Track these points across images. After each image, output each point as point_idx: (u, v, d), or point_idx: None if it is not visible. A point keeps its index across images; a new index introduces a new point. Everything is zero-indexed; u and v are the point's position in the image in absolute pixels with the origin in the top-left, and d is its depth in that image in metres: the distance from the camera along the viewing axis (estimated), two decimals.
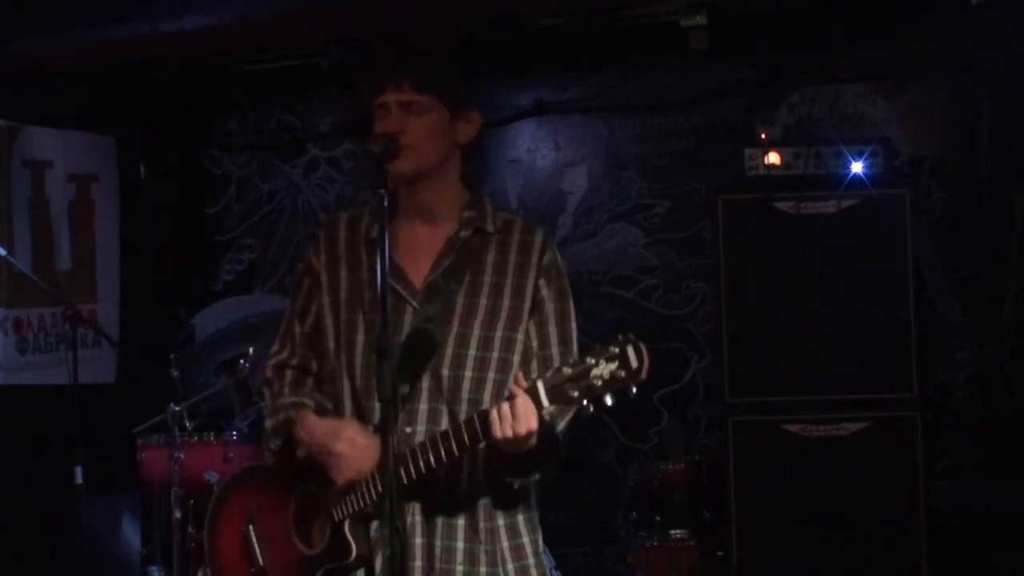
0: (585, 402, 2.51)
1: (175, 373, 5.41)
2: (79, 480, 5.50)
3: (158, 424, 5.57)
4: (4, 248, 5.60)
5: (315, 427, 2.78)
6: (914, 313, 5.37)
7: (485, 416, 2.59)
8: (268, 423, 2.90)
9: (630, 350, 2.47)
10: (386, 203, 2.61)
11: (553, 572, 5.86)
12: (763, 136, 5.62)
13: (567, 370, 2.52)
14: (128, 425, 5.72)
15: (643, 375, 2.48)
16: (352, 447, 2.71)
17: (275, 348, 2.99)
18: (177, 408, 5.34)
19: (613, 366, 2.47)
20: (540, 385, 2.53)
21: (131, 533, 5.99)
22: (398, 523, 2.49)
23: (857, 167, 5.39)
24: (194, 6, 5.57)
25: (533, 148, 6.60)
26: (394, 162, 2.73)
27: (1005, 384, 5.61)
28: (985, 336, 5.78)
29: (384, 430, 2.51)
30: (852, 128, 5.98)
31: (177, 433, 5.32)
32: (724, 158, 5.89)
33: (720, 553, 5.49)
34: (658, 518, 5.60)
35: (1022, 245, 5.59)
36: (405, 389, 2.58)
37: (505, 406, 2.55)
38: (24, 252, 6.13)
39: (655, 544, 5.50)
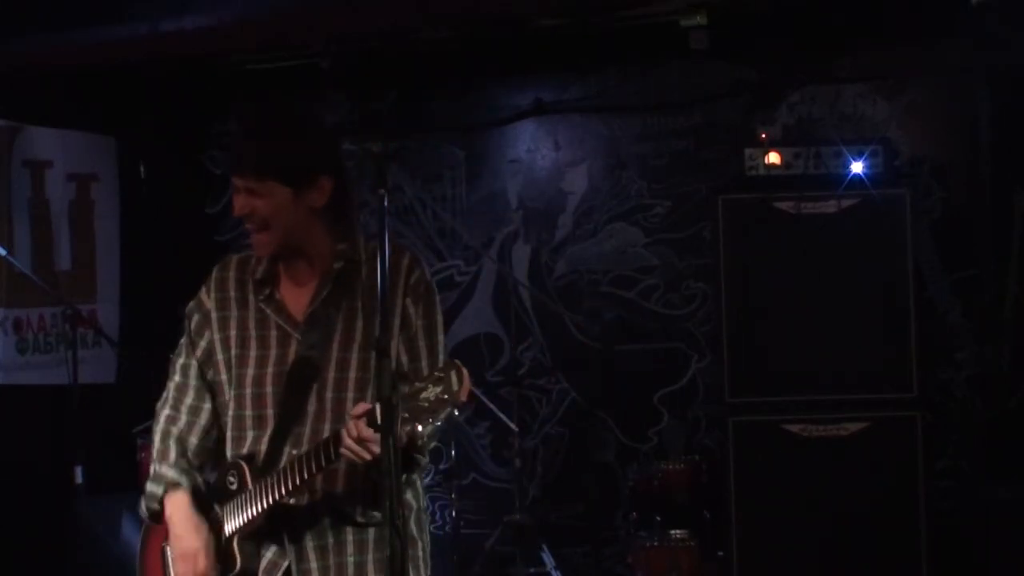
0: (417, 424, 2.63)
1: None
2: (79, 480, 5.50)
3: None
4: (4, 248, 5.60)
5: (177, 517, 3.00)
6: (914, 313, 5.37)
7: (337, 439, 2.74)
8: (148, 486, 3.06)
9: (453, 375, 2.60)
10: (386, 203, 2.62)
11: (553, 572, 5.88)
12: (763, 136, 5.63)
13: (403, 391, 2.63)
14: (128, 425, 5.73)
15: (462, 398, 2.60)
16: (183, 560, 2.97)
17: (170, 387, 3.11)
18: None
19: (438, 389, 2.60)
20: (377, 409, 2.64)
21: (131, 533, 5.98)
22: (398, 523, 2.52)
23: (857, 167, 5.39)
24: (194, 6, 5.57)
25: (533, 148, 6.60)
26: (253, 243, 2.97)
27: (1005, 384, 5.61)
28: (985, 336, 5.78)
29: (384, 430, 2.54)
30: (852, 128, 5.98)
31: None
32: (724, 158, 5.90)
33: (720, 553, 5.49)
34: (658, 518, 5.61)
35: (1022, 245, 5.59)
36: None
37: (347, 428, 2.71)
38: (24, 252, 6.13)
39: (655, 544, 5.51)
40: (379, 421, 2.60)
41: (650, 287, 6.39)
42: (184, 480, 3.02)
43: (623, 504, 6.23)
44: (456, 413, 2.66)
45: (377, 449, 2.65)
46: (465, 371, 2.61)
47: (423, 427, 2.62)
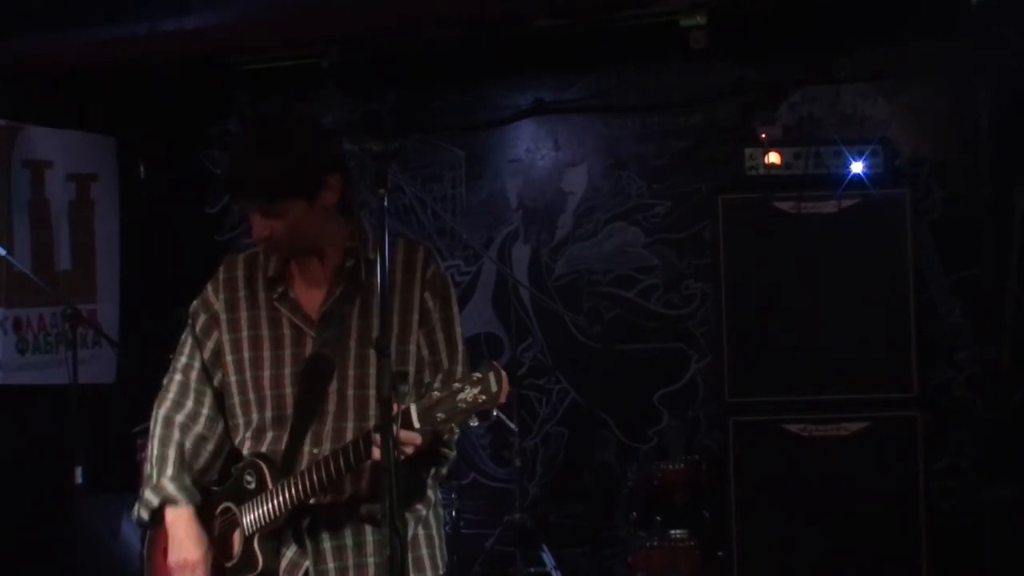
0: (452, 425, 2.67)
1: None
2: (79, 480, 5.50)
3: None
4: (4, 248, 5.60)
5: (179, 527, 2.97)
6: (914, 313, 5.37)
7: (368, 438, 2.72)
8: (146, 494, 3.01)
9: (492, 376, 2.62)
10: (386, 203, 2.62)
11: (553, 572, 5.88)
12: (763, 136, 5.63)
13: (436, 394, 2.65)
14: (128, 425, 5.72)
15: (502, 399, 2.63)
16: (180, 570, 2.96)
17: (170, 378, 3.07)
18: None
19: (476, 391, 2.61)
20: (413, 409, 2.66)
21: (131, 533, 5.98)
22: (398, 523, 2.52)
23: (857, 167, 5.40)
24: (194, 6, 5.57)
25: (533, 148, 6.60)
26: (267, 248, 2.93)
27: (1005, 384, 5.61)
28: (985, 336, 5.78)
29: (383, 429, 2.53)
30: (852, 128, 5.98)
31: None
32: (724, 158, 5.90)
33: (720, 553, 5.49)
34: (658, 518, 5.60)
35: (1022, 244, 5.59)
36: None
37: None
38: (24, 252, 6.13)
39: (655, 544, 5.50)
40: (415, 423, 2.60)
41: (650, 287, 6.39)
42: (183, 498, 2.97)
43: (623, 504, 6.23)
44: (494, 414, 2.68)
45: (410, 450, 2.66)
46: (503, 373, 2.62)
47: (457, 427, 2.64)
